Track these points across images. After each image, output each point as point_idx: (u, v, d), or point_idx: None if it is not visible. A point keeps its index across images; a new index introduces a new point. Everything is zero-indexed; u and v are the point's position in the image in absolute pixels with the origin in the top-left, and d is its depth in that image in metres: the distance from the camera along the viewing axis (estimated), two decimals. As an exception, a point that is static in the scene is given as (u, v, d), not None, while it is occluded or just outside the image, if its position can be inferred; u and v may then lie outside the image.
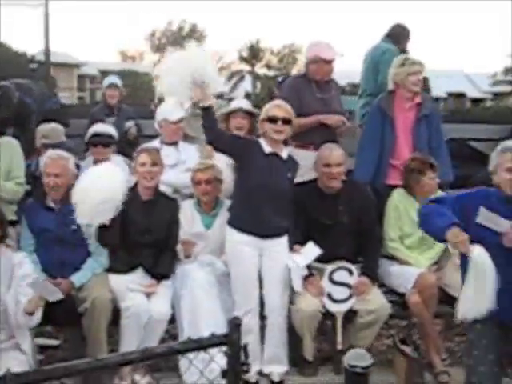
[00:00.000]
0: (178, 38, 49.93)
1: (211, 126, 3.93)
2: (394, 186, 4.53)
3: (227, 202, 4.33)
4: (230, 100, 5.91)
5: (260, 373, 4.04)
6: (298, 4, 76.11)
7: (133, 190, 4.21)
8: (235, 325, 1.98)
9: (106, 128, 5.01)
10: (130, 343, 3.83)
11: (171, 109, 4.81)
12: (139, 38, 77.57)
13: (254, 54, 43.71)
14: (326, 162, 4.18)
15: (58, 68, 31.47)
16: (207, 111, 3.89)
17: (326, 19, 73.19)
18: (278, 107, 4.05)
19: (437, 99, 34.14)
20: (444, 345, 4.43)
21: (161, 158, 4.30)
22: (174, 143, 4.86)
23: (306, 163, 4.40)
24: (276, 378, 3.99)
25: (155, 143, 4.86)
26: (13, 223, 4.20)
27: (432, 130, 4.82)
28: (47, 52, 8.91)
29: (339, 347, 3.99)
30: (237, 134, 4.48)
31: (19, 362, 3.34)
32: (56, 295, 3.60)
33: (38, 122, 5.39)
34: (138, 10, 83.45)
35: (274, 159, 4.02)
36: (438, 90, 32.72)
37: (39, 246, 4.09)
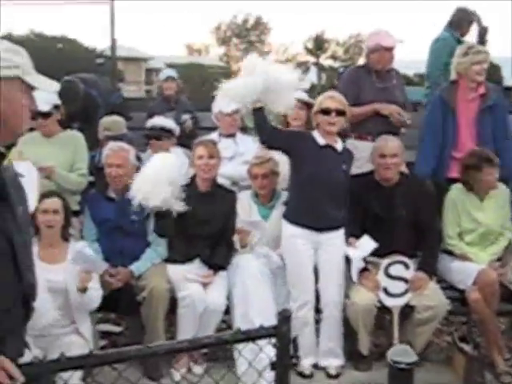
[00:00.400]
0: (243, 30, 50.15)
1: (263, 126, 3.94)
2: (457, 180, 4.39)
3: (284, 194, 4.33)
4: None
5: (315, 366, 4.04)
6: (364, -7, 74.96)
7: (191, 182, 4.28)
8: (285, 317, 1.97)
9: (163, 121, 5.08)
10: (186, 332, 3.90)
11: (226, 101, 4.84)
12: (205, 31, 78.34)
13: (318, 45, 43.35)
14: (381, 152, 4.12)
15: (126, 62, 32.28)
16: (258, 111, 3.90)
17: (394, 7, 71.58)
18: (330, 98, 4.01)
19: (510, 88, 32.83)
20: (508, 344, 4.29)
21: (218, 151, 4.34)
22: (232, 135, 4.89)
23: (365, 155, 4.36)
24: (333, 372, 3.98)
25: (214, 136, 4.91)
26: (76, 213, 4.34)
27: (497, 121, 4.65)
28: (113, 47, 9.22)
29: (395, 342, 3.90)
30: (291, 127, 4.48)
31: (79, 345, 3.45)
32: (101, 267, 3.72)
33: (102, 115, 5.57)
34: (204, 4, 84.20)
35: (329, 151, 3.99)
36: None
37: (101, 235, 4.22)
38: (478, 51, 4.60)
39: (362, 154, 4.39)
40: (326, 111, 3.96)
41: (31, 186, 3.89)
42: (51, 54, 20.37)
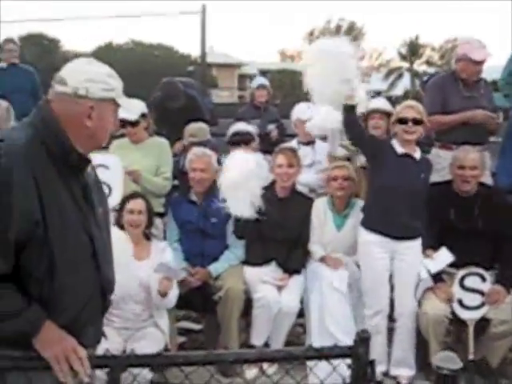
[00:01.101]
0: (337, 36, 49.94)
1: (352, 125, 4.01)
2: None
3: (359, 203, 4.37)
4: (389, 99, 5.85)
5: (385, 374, 4.05)
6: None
7: (270, 187, 4.41)
8: (362, 338, 1.93)
9: (245, 127, 5.20)
10: (260, 333, 4.04)
11: (304, 108, 4.94)
12: (298, 37, 78.70)
13: (412, 50, 42.39)
14: (460, 164, 4.07)
15: (219, 68, 33.11)
16: (350, 110, 3.96)
17: (492, 10, 68.67)
18: (408, 108, 4.03)
19: None
20: None
21: (299, 159, 4.45)
22: (311, 143, 4.99)
23: (448, 164, 4.31)
24: (404, 381, 3.98)
25: (293, 143, 5.03)
26: (160, 215, 4.59)
27: None
28: (203, 54, 9.63)
29: (471, 357, 3.86)
30: (373, 134, 4.48)
31: (156, 339, 3.67)
32: (180, 275, 3.89)
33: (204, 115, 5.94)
34: (297, 10, 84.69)
35: (407, 160, 4.00)
36: None
37: (182, 236, 4.44)
38: None
39: (445, 164, 4.36)
40: (403, 120, 3.98)
41: (117, 179, 4.20)
42: (149, 61, 21.29)
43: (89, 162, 2.11)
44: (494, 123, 4.61)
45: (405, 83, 39.40)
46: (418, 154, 4.05)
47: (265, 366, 4.12)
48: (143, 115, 4.67)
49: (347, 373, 1.96)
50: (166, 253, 3.95)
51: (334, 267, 4.21)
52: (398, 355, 4.03)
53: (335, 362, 2.01)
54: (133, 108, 2.16)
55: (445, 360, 1.60)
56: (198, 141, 5.07)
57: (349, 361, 1.94)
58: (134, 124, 4.59)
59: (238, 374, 4.10)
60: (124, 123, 4.48)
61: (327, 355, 1.99)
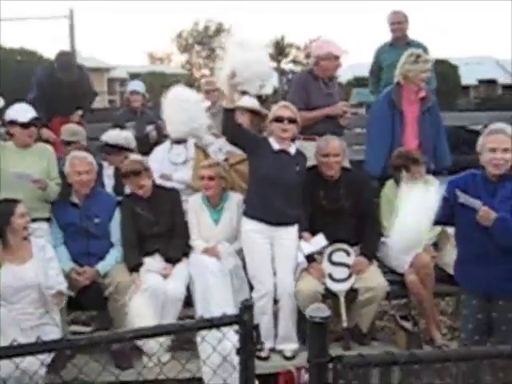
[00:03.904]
0: (205, 37, 50.39)
1: (233, 125, 4.29)
2: None
3: (232, 195, 4.68)
4: (259, 98, 6.18)
5: (272, 349, 4.37)
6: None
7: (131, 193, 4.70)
8: (247, 306, 2.17)
9: (116, 137, 5.21)
10: (150, 322, 4.19)
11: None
12: (166, 39, 78.42)
13: (279, 50, 43.88)
14: (323, 152, 4.49)
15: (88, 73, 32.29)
16: (230, 111, 4.25)
17: (352, 10, 72.57)
18: (283, 108, 4.41)
19: (467, 87, 33.69)
20: (453, 324, 4.71)
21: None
22: (183, 141, 5.20)
23: (313, 154, 4.70)
24: (288, 354, 4.30)
25: (167, 143, 5.26)
26: (49, 220, 4.63)
27: (435, 119, 5.14)
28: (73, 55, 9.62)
29: (344, 325, 4.28)
30: (252, 132, 4.71)
31: (55, 334, 3.75)
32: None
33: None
34: (164, 12, 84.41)
35: (283, 155, 4.36)
36: (468, 77, 32.23)
37: (67, 238, 4.50)
38: (427, 60, 5.02)
39: (309, 154, 4.76)
40: (279, 119, 4.34)
41: None
42: (11, 66, 20.31)
43: None
44: (346, 117, 5.12)
45: (273, 82, 40.61)
46: (292, 149, 4.43)
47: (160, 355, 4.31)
48: (36, 119, 4.66)
49: (235, 338, 2.20)
50: (46, 249, 4.06)
51: (213, 256, 4.47)
52: (282, 332, 4.35)
53: (224, 329, 2.28)
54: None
55: (316, 310, 1.91)
56: (76, 140, 5.18)
57: (236, 327, 2.19)
58: (25, 126, 4.57)
59: (131, 365, 4.23)
60: (13, 125, 4.54)
61: (217, 324, 2.22)
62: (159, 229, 4.57)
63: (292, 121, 4.35)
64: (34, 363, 2.59)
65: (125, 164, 4.66)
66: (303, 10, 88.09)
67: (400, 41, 6.36)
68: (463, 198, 3.36)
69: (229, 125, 4.28)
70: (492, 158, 3.38)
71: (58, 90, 5.97)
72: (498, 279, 3.35)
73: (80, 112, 6.27)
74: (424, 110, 5.08)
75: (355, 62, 24.94)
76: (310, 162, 4.68)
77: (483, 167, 3.49)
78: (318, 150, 4.55)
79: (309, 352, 1.96)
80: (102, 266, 4.40)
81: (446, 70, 23.69)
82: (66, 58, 6.30)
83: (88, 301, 4.38)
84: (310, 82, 5.14)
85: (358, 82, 25.91)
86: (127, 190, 4.85)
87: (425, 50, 5.87)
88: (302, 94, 5.08)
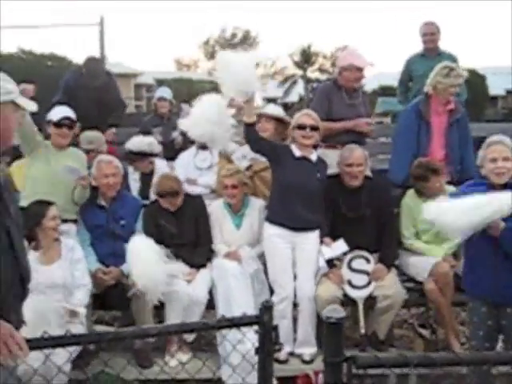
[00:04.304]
0: (232, 44, 50.73)
1: (254, 139, 4.43)
2: None
3: (254, 201, 4.79)
4: (285, 105, 6.25)
5: (291, 353, 4.45)
6: (349, 5, 76.26)
7: (158, 204, 4.76)
8: (267, 307, 2.27)
9: (140, 144, 5.37)
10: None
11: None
12: (194, 46, 79.10)
13: (305, 58, 43.95)
14: (347, 162, 4.57)
15: (116, 78, 32.69)
16: (251, 126, 4.36)
17: (380, 18, 72.43)
18: (306, 116, 4.52)
19: (495, 97, 33.29)
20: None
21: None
22: (209, 147, 5.33)
23: (334, 161, 4.78)
24: (307, 358, 4.38)
25: (193, 148, 5.39)
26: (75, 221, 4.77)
27: (463, 131, 5.18)
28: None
29: (362, 331, 4.35)
30: (273, 140, 4.79)
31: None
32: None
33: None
34: (191, 19, 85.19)
35: (304, 162, 4.47)
36: (496, 87, 31.86)
37: (94, 240, 4.65)
38: (459, 75, 5.06)
39: (331, 162, 4.84)
40: (301, 127, 4.44)
41: None
42: (41, 71, 20.69)
43: None
44: (369, 130, 5.17)
45: (299, 90, 40.71)
46: (314, 156, 4.52)
47: (181, 355, 4.42)
48: (67, 119, 4.81)
49: (255, 338, 2.29)
50: (75, 250, 4.21)
51: (235, 260, 4.58)
52: (302, 336, 4.43)
53: (244, 329, 2.37)
54: (31, 107, 2.41)
55: (332, 311, 2.00)
56: (95, 148, 5.25)
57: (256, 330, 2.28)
58: (58, 126, 4.75)
59: (152, 364, 4.35)
60: (49, 125, 4.73)
61: (237, 323, 2.33)
62: (182, 240, 4.66)
63: (314, 128, 4.45)
64: (61, 357, 2.71)
65: (161, 183, 4.69)
66: (331, 19, 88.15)
67: (431, 52, 6.40)
68: None
69: (250, 137, 4.41)
70: (494, 167, 3.47)
71: (85, 95, 6.09)
72: (506, 287, 3.39)
73: (114, 130, 6.33)
74: (452, 122, 5.13)
75: (381, 71, 24.99)
76: (331, 170, 4.75)
77: (486, 178, 3.56)
78: (341, 160, 4.63)
79: (324, 352, 2.04)
80: (126, 267, 4.51)
81: (473, 80, 23.53)
82: (95, 64, 6.46)
83: (112, 301, 4.52)
84: (333, 92, 5.21)
85: (384, 91, 25.87)
86: (152, 195, 4.98)
87: (455, 60, 5.94)
88: (324, 103, 5.16)
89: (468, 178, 5.01)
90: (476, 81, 25.42)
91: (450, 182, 4.76)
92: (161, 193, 4.65)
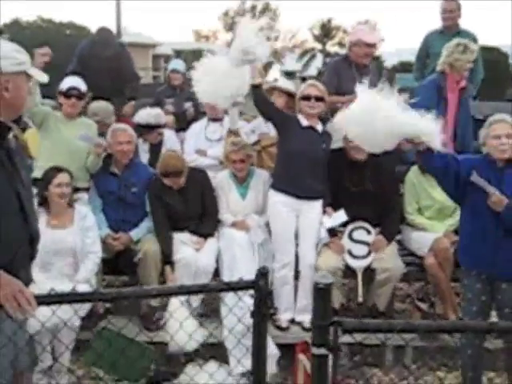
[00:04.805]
0: (251, 16, 50.21)
1: (261, 101, 4.51)
2: None
3: (259, 172, 4.91)
4: (303, 78, 6.25)
5: (292, 320, 4.59)
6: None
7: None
8: (262, 273, 2.37)
9: (147, 117, 5.45)
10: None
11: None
12: (213, 17, 78.41)
13: (325, 32, 43.54)
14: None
15: (134, 48, 32.60)
16: (257, 88, 4.44)
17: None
18: (311, 86, 4.60)
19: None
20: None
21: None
22: (219, 119, 5.47)
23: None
24: (307, 325, 4.47)
25: (204, 120, 5.48)
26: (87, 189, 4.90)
27: (465, 108, 5.25)
28: (118, 33, 9.70)
29: (360, 299, 4.46)
30: (280, 108, 4.86)
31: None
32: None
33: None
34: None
35: (310, 132, 4.57)
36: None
37: (105, 206, 4.79)
38: (473, 50, 5.07)
39: (340, 136, 4.91)
40: (307, 97, 4.53)
41: None
42: (59, 39, 20.80)
43: (10, 129, 2.46)
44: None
45: (318, 64, 40.40)
46: (320, 127, 4.62)
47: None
48: (74, 89, 4.90)
49: (251, 301, 2.40)
50: (87, 218, 4.33)
51: (242, 229, 4.70)
52: (302, 303, 4.54)
53: (240, 293, 2.50)
54: (43, 77, 2.53)
55: (321, 278, 2.11)
56: (100, 120, 5.25)
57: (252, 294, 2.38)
58: (66, 96, 4.85)
59: (158, 328, 4.50)
60: (60, 95, 4.82)
61: (234, 287, 2.46)
62: (189, 215, 4.75)
63: (319, 99, 4.54)
64: (70, 313, 2.85)
65: (165, 162, 4.66)
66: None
67: (450, 29, 6.32)
68: (477, 179, 3.50)
69: (257, 99, 4.49)
70: (498, 143, 3.56)
71: (97, 64, 6.11)
72: (503, 261, 3.49)
73: (133, 103, 6.35)
74: (463, 99, 5.19)
75: (402, 46, 24.61)
76: (337, 145, 4.81)
77: (489, 155, 3.64)
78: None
79: (312, 315, 2.16)
80: (135, 233, 4.68)
81: (495, 58, 23.10)
82: (106, 34, 6.49)
83: (121, 265, 4.69)
84: (343, 68, 5.26)
85: (403, 67, 25.54)
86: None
87: (474, 39, 5.89)
88: (333, 78, 5.22)
89: (466, 152, 5.12)
90: (499, 59, 24.98)
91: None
92: (165, 172, 4.66)
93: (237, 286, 2.46)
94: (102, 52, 6.21)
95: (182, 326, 3.25)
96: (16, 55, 2.40)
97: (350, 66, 5.25)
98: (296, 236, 4.60)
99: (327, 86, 4.90)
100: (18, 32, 20.57)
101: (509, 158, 3.56)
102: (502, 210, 3.46)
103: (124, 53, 6.57)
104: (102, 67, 6.09)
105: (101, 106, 5.49)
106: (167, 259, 4.56)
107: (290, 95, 5.10)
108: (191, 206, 4.76)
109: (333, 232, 4.55)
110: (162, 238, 4.64)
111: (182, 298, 3.90)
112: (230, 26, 50.05)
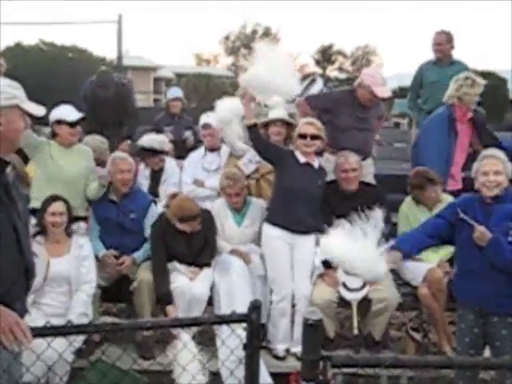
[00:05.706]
0: (252, 40, 50.75)
1: (257, 140, 4.60)
2: (450, 192, 5.01)
3: (255, 201, 4.98)
4: None
5: (288, 350, 4.61)
6: (370, 4, 75.83)
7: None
8: (255, 306, 2.39)
9: (151, 141, 5.59)
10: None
11: (204, 116, 5.59)
12: (214, 41, 79.24)
13: (326, 57, 43.99)
14: (342, 167, 4.75)
15: (135, 72, 32.96)
16: (252, 128, 4.55)
17: (400, 19, 71.96)
18: (308, 125, 4.66)
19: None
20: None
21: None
22: (217, 149, 5.54)
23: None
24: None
25: (201, 149, 5.56)
26: (85, 218, 4.95)
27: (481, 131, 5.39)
28: (119, 57, 9.90)
29: (355, 332, 4.47)
30: (276, 143, 5.00)
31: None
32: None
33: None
34: (213, 13, 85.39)
35: (307, 168, 4.63)
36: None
37: (103, 233, 4.83)
38: (481, 84, 5.22)
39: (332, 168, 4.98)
40: (303, 136, 4.60)
41: None
42: (61, 63, 20.94)
43: (7, 163, 2.52)
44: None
45: (318, 88, 40.62)
46: (316, 163, 4.69)
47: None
48: (82, 119, 4.96)
49: (243, 334, 2.44)
50: (84, 247, 4.37)
51: (243, 259, 4.75)
52: (298, 334, 4.52)
53: (234, 326, 2.53)
54: (38, 111, 2.58)
55: (311, 313, 2.17)
56: (96, 156, 5.21)
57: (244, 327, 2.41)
58: (72, 125, 4.87)
59: (153, 357, 4.51)
60: (60, 124, 4.83)
61: (227, 320, 2.49)
62: (191, 255, 4.74)
63: (315, 137, 4.59)
64: (64, 345, 2.88)
65: (183, 207, 4.61)
66: (352, 18, 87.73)
67: (442, 60, 6.47)
68: (463, 216, 3.60)
69: (253, 138, 4.59)
70: (485, 180, 3.61)
71: (100, 103, 6.30)
72: (493, 296, 3.53)
73: (129, 142, 6.39)
74: (473, 130, 5.33)
75: (401, 71, 24.79)
76: (331, 176, 4.91)
77: (479, 191, 3.69)
78: (336, 166, 4.82)
79: (302, 350, 2.21)
80: (138, 256, 4.74)
81: (493, 83, 23.24)
82: (104, 76, 6.55)
83: (118, 293, 4.72)
84: (347, 103, 5.26)
85: (403, 91, 25.68)
86: (161, 202, 5.19)
87: (467, 69, 6.00)
88: (328, 104, 5.31)
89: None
90: (496, 84, 25.13)
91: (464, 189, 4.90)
92: (182, 217, 4.57)
93: (229, 319, 2.49)
94: (103, 94, 6.32)
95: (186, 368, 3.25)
96: (8, 90, 2.46)
97: (354, 102, 5.25)
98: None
99: (319, 101, 5.15)
100: (20, 55, 20.75)
101: (496, 195, 3.61)
102: (485, 245, 3.51)
103: (125, 91, 6.61)
104: (104, 107, 6.22)
105: (97, 142, 5.52)
106: (163, 299, 4.56)
107: (286, 123, 5.19)
108: (194, 249, 4.76)
109: (327, 264, 4.57)
110: (159, 282, 4.58)
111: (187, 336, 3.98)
112: (231, 50, 50.63)
